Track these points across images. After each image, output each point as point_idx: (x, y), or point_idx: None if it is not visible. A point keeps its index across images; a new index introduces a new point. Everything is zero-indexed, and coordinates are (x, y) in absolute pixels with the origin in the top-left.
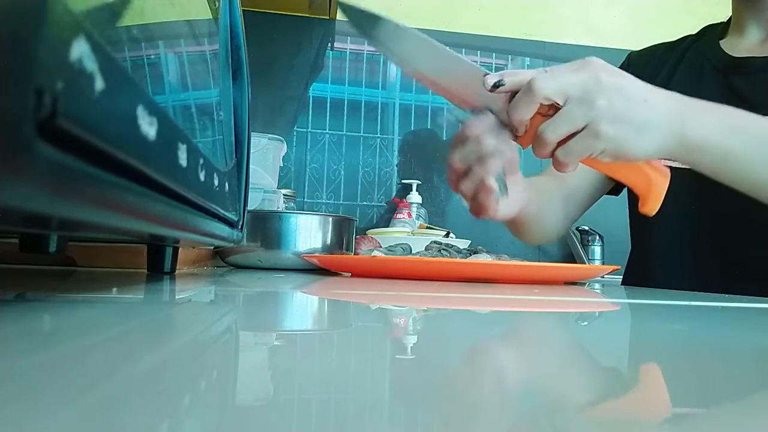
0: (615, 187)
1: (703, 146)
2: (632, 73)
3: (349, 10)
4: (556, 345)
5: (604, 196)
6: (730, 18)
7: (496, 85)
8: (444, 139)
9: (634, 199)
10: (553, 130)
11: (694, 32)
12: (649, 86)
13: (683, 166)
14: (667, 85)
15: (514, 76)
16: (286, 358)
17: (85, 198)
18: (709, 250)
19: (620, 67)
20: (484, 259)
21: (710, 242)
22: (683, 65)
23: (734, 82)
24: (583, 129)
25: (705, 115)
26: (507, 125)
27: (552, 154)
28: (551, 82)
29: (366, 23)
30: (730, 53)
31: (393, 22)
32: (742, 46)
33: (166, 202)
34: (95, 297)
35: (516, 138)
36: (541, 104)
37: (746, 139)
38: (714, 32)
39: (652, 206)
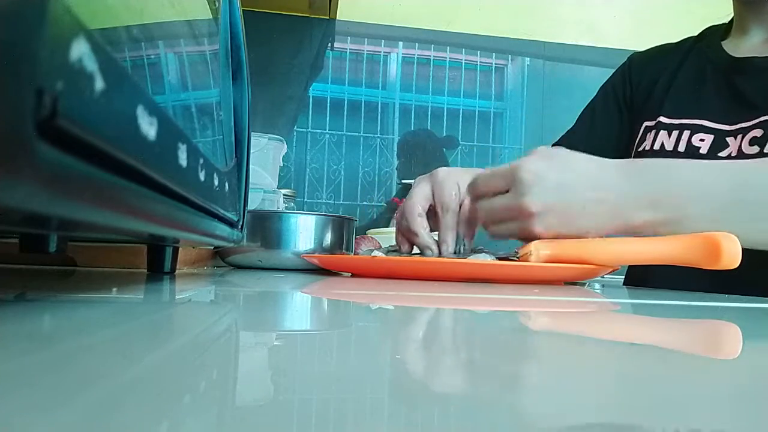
0: None
1: (647, 227)
2: (633, 75)
3: None
4: (557, 345)
5: None
6: (733, 19)
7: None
8: (441, 136)
9: None
10: (489, 224)
11: (696, 33)
12: (592, 180)
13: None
14: (669, 86)
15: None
16: (286, 358)
17: (85, 198)
18: None
19: (619, 68)
20: (483, 259)
21: None
22: (685, 67)
23: (736, 82)
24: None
25: (648, 200)
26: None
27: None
28: (485, 216)
29: None
30: (732, 54)
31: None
32: (744, 46)
33: (166, 202)
34: (95, 297)
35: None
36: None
37: (703, 206)
38: (716, 33)
39: (726, 261)
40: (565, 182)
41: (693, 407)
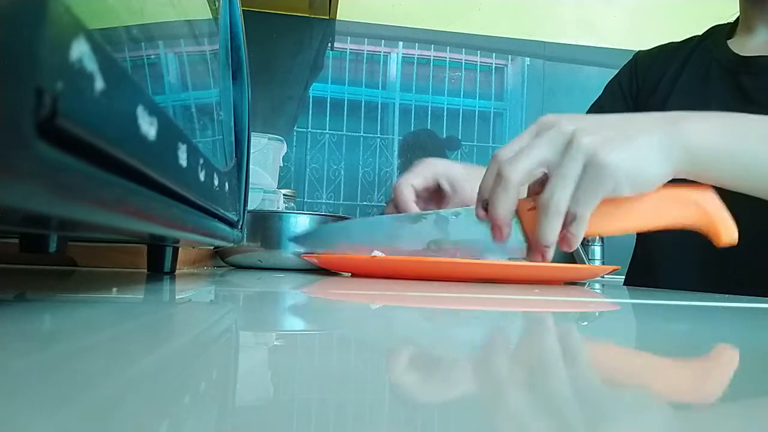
0: None
1: (708, 150)
2: (639, 72)
3: (302, 240)
4: (556, 345)
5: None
6: (738, 18)
7: (485, 207)
8: (443, 137)
9: None
10: (559, 195)
11: (700, 32)
12: (622, 114)
13: None
14: (673, 84)
15: (485, 185)
16: (286, 358)
17: (85, 198)
18: (712, 249)
19: (626, 65)
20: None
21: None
22: (690, 65)
23: (742, 81)
24: (583, 174)
25: (698, 121)
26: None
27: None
28: (519, 163)
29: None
30: (738, 52)
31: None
32: (750, 45)
33: (166, 202)
34: (95, 297)
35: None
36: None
37: (748, 136)
38: (721, 32)
39: (726, 236)
40: (593, 115)
41: (691, 406)
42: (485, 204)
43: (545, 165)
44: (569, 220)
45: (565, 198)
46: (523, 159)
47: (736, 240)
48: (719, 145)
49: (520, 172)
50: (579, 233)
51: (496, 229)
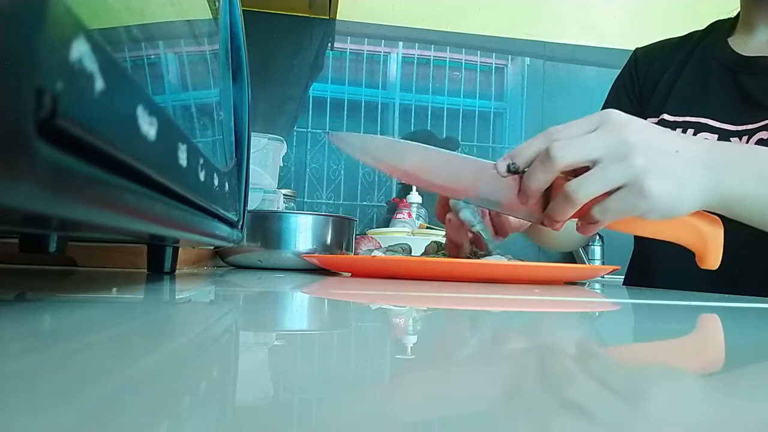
0: None
1: (742, 196)
2: (639, 73)
3: (338, 138)
4: (556, 344)
5: None
6: (738, 15)
7: (510, 170)
8: (443, 137)
9: None
10: (586, 191)
11: (701, 28)
12: (675, 135)
13: None
14: (674, 83)
15: (525, 152)
16: (286, 358)
17: (85, 198)
18: None
19: (626, 66)
20: (487, 260)
21: None
22: (691, 63)
23: (743, 81)
24: (621, 187)
25: (738, 164)
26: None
27: (573, 216)
28: (571, 150)
29: (361, 145)
30: (739, 52)
31: (388, 140)
32: (751, 45)
33: (166, 202)
34: (95, 297)
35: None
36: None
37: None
38: (722, 29)
39: (712, 261)
40: (654, 127)
41: (691, 405)
42: (514, 168)
43: (592, 163)
44: (588, 219)
45: (589, 197)
46: (577, 149)
47: (717, 267)
48: (752, 192)
49: (568, 160)
50: (593, 230)
51: (522, 196)
